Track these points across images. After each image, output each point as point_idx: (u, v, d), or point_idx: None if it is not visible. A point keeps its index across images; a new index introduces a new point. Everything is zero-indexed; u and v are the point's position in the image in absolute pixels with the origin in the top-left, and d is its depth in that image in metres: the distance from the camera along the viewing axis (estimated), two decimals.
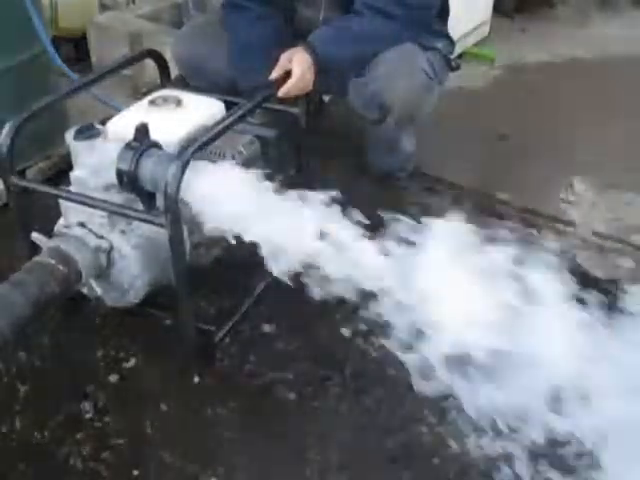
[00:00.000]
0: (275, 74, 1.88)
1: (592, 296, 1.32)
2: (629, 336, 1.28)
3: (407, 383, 1.39)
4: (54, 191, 1.77)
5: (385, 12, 1.90)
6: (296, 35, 2.04)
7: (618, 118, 2.71)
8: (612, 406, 1.25)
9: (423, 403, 1.60)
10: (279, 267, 1.43)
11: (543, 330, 1.28)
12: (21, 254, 1.80)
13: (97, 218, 1.69)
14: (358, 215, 1.42)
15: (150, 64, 2.06)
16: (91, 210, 1.67)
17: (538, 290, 1.29)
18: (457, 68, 2.23)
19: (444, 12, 2.12)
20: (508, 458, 1.44)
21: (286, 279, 1.44)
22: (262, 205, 1.46)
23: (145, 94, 1.87)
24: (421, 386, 1.34)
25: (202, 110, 1.78)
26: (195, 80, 2.14)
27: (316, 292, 1.43)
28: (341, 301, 1.44)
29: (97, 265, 1.69)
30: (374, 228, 1.41)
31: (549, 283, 1.29)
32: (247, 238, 1.46)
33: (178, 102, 1.77)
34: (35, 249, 1.71)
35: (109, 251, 1.70)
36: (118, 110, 1.84)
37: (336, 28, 1.96)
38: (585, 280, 1.81)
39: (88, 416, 1.62)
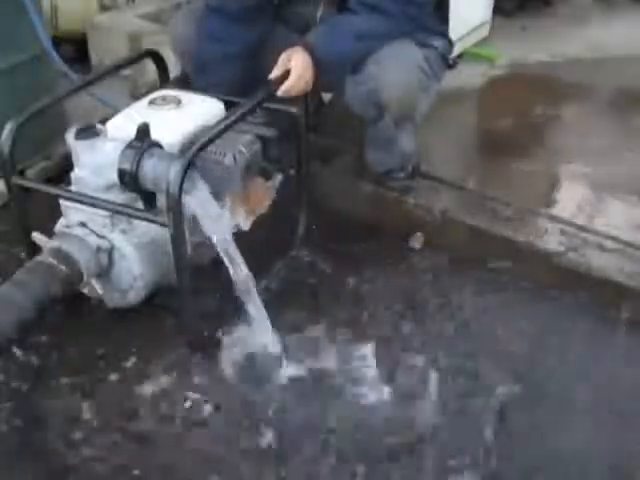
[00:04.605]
0: (275, 73, 1.88)
1: None
2: None
3: None
4: (55, 191, 1.77)
5: (381, 9, 1.90)
6: (294, 33, 2.04)
7: (618, 118, 2.71)
8: None
9: None
10: None
11: None
12: (22, 254, 1.80)
13: (98, 218, 1.69)
14: None
15: (150, 64, 2.07)
16: (92, 210, 1.68)
17: None
18: (454, 65, 2.22)
19: (443, 10, 2.11)
20: None
21: None
22: None
23: (145, 94, 1.87)
24: None
25: (202, 110, 1.78)
26: (190, 63, 2.11)
27: None
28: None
29: (98, 265, 1.69)
30: None
31: None
32: None
33: (178, 102, 1.77)
34: (36, 249, 1.71)
35: (110, 251, 1.70)
36: (118, 110, 1.84)
37: (333, 26, 1.96)
38: None
39: (88, 416, 1.62)
